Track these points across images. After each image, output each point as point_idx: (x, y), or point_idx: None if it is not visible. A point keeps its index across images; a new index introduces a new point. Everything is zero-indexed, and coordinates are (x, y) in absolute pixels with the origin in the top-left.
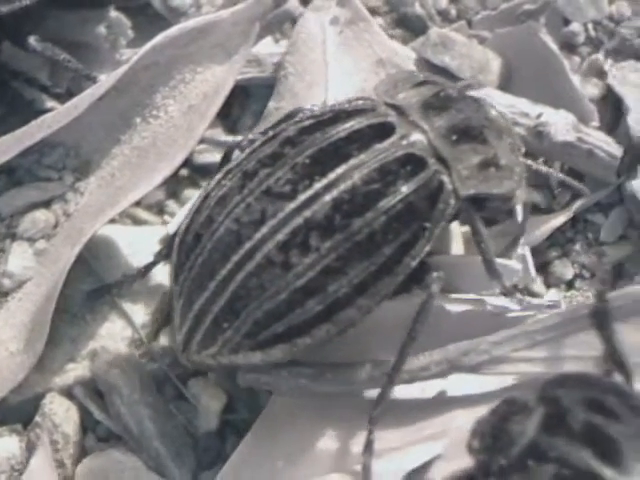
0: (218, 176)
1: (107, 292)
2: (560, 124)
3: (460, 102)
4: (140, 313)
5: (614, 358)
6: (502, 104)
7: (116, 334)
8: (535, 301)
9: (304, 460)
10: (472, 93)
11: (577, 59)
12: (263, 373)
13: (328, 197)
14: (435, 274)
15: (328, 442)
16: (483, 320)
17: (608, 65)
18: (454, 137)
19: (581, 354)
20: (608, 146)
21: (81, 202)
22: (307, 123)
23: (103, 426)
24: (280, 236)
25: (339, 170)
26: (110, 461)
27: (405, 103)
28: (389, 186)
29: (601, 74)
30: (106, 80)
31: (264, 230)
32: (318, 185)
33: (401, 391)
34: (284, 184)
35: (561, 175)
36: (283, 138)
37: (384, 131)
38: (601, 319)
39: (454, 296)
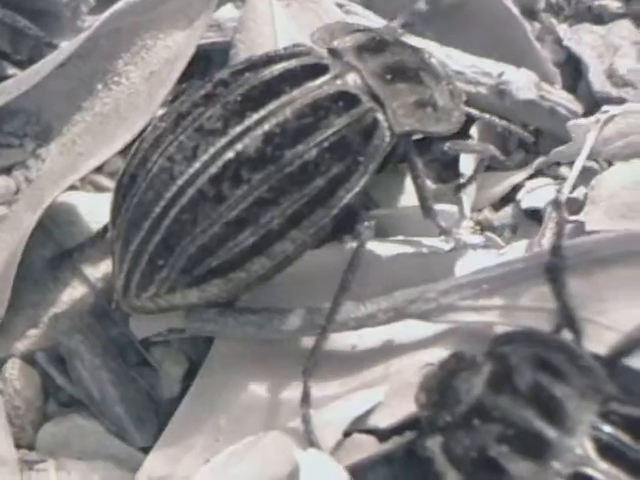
0: (154, 120)
1: (68, 257)
2: (522, 82)
3: (396, 46)
4: (102, 279)
5: (565, 314)
6: (464, 64)
7: (78, 300)
8: (472, 240)
9: (245, 416)
10: (435, 52)
11: (537, 25)
12: (209, 321)
13: (259, 131)
14: (366, 223)
15: (269, 397)
16: (418, 263)
17: (565, 29)
18: (389, 77)
19: (530, 304)
20: (570, 104)
21: (42, 168)
22: (241, 66)
23: (65, 391)
24: (212, 170)
25: (271, 106)
26: (72, 426)
27: (340, 47)
28: (321, 120)
29: (559, 40)
30: (67, 47)
31: (196, 165)
32: (249, 120)
33: (339, 339)
34: (216, 121)
35: (504, 122)
36: (217, 80)
37: (317, 71)
38: (554, 274)
39: (390, 240)
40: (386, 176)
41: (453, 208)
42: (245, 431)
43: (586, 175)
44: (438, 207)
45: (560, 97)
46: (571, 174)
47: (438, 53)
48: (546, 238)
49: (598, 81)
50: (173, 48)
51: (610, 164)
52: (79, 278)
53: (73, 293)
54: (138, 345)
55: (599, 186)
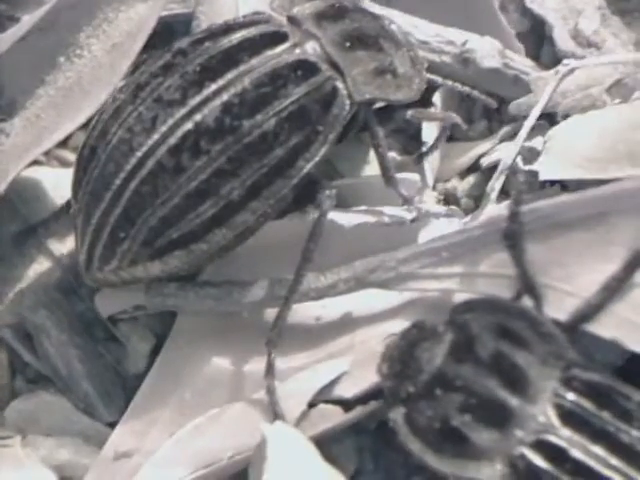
0: (114, 92)
1: (33, 233)
2: (486, 50)
3: (355, 13)
4: (68, 254)
5: (525, 281)
6: (428, 33)
7: (43, 275)
8: (433, 209)
9: (210, 389)
10: (400, 22)
11: None
12: (170, 295)
13: (218, 101)
14: (327, 192)
15: (233, 369)
16: (381, 232)
17: None
18: (348, 44)
19: (490, 271)
20: (534, 71)
21: (6, 143)
22: (200, 35)
23: (32, 368)
24: (171, 141)
25: (229, 75)
26: (39, 403)
27: (299, 15)
28: (280, 89)
29: (522, 8)
30: (29, 20)
31: (155, 137)
32: (208, 90)
33: (302, 311)
34: (174, 92)
35: (467, 88)
36: (175, 49)
37: (276, 39)
38: (513, 241)
39: (352, 209)
40: (349, 146)
41: (415, 177)
42: (210, 404)
43: (544, 127)
44: (400, 176)
45: (524, 65)
46: (526, 123)
47: (403, 22)
48: (504, 204)
49: (562, 40)
50: (135, 20)
51: (568, 116)
52: (45, 253)
53: (39, 268)
54: (105, 321)
55: (555, 137)
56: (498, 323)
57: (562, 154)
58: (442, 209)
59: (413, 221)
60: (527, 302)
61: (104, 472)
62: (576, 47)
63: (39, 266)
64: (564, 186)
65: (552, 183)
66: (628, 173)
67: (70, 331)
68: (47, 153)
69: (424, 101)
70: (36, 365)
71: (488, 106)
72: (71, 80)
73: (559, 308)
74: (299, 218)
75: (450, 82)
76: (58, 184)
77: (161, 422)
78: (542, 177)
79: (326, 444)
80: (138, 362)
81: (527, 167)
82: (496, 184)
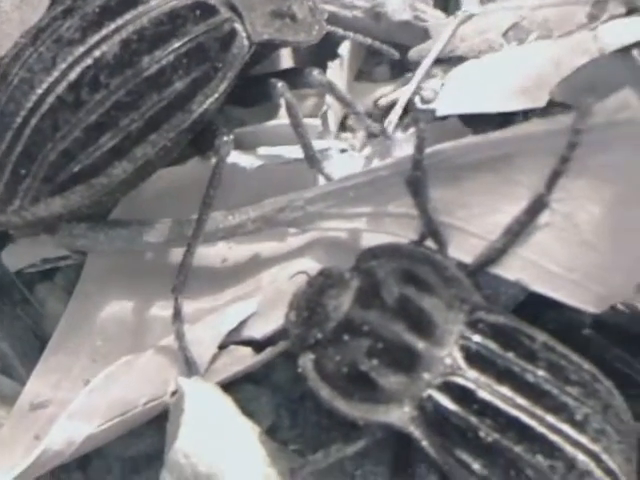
0: (16, 38)
1: None
2: (396, 4)
3: None
4: None
5: (428, 227)
6: None
7: None
8: (336, 145)
9: (120, 336)
10: None
11: None
12: (79, 236)
13: (117, 38)
14: (225, 138)
15: (142, 315)
16: (285, 172)
17: None
18: None
19: (396, 211)
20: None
21: None
22: None
23: None
24: (70, 77)
25: (128, 15)
26: None
27: None
28: (179, 28)
29: None
30: None
31: (55, 74)
32: (107, 29)
33: (209, 254)
34: (74, 32)
35: (369, 40)
36: None
37: None
38: (416, 187)
39: (254, 152)
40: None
41: (316, 121)
42: (121, 351)
43: (446, 71)
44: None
45: (434, 16)
46: (423, 63)
47: None
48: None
49: None
50: None
51: (466, 59)
52: None
53: None
54: (20, 285)
55: (452, 78)
56: (403, 269)
57: (459, 92)
58: (344, 144)
59: (314, 164)
60: (432, 245)
61: (20, 423)
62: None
63: None
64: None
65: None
66: (520, 107)
67: None
68: None
69: (331, 53)
70: None
71: (392, 57)
72: None
73: (464, 249)
74: (201, 164)
75: (352, 34)
76: None
77: (74, 371)
78: (439, 113)
79: (243, 400)
80: (55, 323)
81: (425, 106)
82: (393, 118)
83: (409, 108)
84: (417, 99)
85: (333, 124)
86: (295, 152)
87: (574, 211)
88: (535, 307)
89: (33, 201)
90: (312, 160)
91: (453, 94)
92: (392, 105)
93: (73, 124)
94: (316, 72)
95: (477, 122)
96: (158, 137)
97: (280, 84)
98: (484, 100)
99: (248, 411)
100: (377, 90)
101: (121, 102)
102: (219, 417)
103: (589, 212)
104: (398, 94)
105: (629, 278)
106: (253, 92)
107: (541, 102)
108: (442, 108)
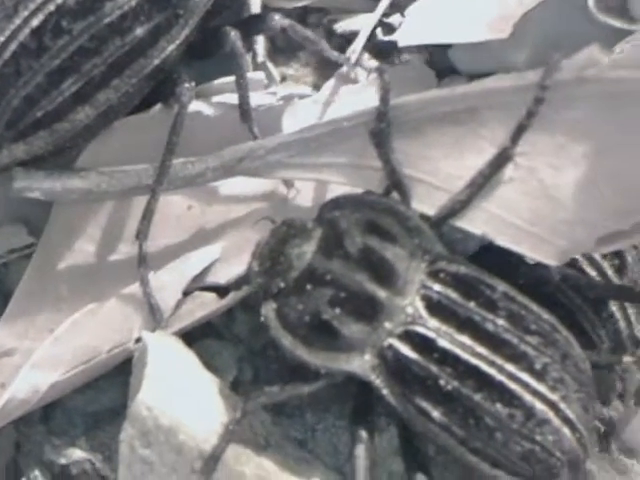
0: None
1: None
2: None
3: None
4: None
5: (392, 178)
6: None
7: None
8: (294, 91)
9: (86, 284)
10: None
11: None
12: (36, 186)
13: None
14: (186, 85)
15: (107, 262)
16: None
17: None
18: None
19: (359, 162)
20: None
21: None
22: None
23: None
24: (33, 23)
25: None
26: None
27: None
28: None
29: None
30: None
31: (17, 21)
32: None
33: (175, 201)
34: None
35: None
36: None
37: None
38: (380, 139)
39: (215, 100)
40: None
41: (260, 75)
42: (86, 299)
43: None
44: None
45: None
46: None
47: None
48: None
49: None
50: None
51: None
52: None
53: None
54: None
55: (414, 11)
56: (366, 219)
57: (420, 24)
58: (299, 90)
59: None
60: (395, 196)
61: None
62: None
63: None
64: None
65: None
66: (483, 38)
67: None
68: None
69: None
70: None
71: None
72: None
73: (427, 201)
74: (163, 112)
75: None
76: None
77: (39, 320)
78: (401, 44)
79: (206, 355)
80: (20, 275)
81: (387, 37)
82: (356, 47)
83: (371, 39)
84: (379, 31)
85: (276, 73)
86: (258, 100)
87: (538, 166)
88: (500, 260)
89: None
90: (246, 115)
91: (415, 26)
92: (353, 35)
93: (36, 70)
94: (277, 16)
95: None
96: (120, 83)
97: (233, 32)
98: (447, 31)
99: (211, 366)
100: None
101: (83, 48)
102: (182, 370)
103: (553, 167)
104: (357, 24)
105: (591, 232)
106: (211, 42)
107: (504, 33)
108: (404, 40)
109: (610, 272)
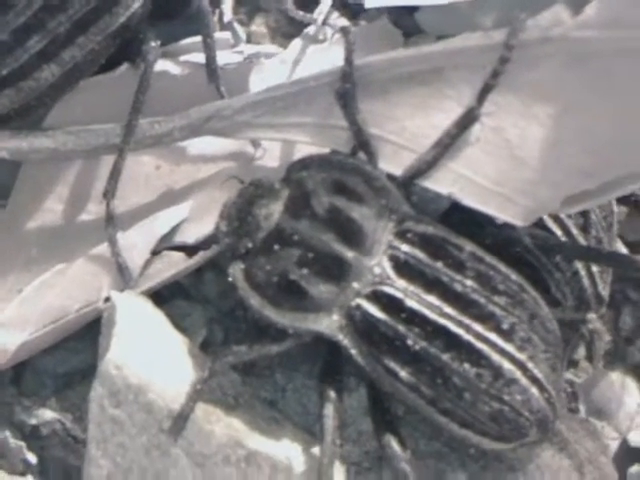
0: None
1: None
2: None
3: None
4: None
5: (359, 138)
6: None
7: None
8: (261, 50)
9: (54, 244)
10: None
11: None
12: (1, 139)
13: None
14: (152, 43)
15: (76, 223)
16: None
17: None
18: None
19: (325, 122)
20: None
21: None
22: None
23: None
24: None
25: None
26: None
27: None
28: None
29: None
30: None
31: None
32: None
33: (143, 161)
34: None
35: None
36: None
37: None
38: (345, 99)
39: (182, 59)
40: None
41: (226, 35)
42: (55, 259)
43: None
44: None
45: None
46: None
47: None
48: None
49: None
50: None
51: None
52: None
53: None
54: None
55: None
56: (333, 179)
57: None
58: (264, 50)
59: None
60: (362, 157)
61: None
62: None
63: None
64: None
65: None
66: (449, 0)
67: None
68: None
69: None
70: None
71: None
72: None
73: (394, 161)
74: (130, 71)
75: None
76: None
77: (8, 280)
78: (367, 6)
79: (175, 317)
80: None
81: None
82: (323, 9)
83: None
84: None
85: (242, 34)
86: (225, 59)
87: (504, 126)
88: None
89: None
90: (213, 74)
91: None
92: None
93: (1, 27)
94: None
95: None
96: (86, 40)
97: None
98: None
99: (181, 327)
100: None
101: (49, 4)
102: (151, 330)
103: (519, 127)
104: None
105: (556, 192)
106: (178, 1)
107: None
108: (370, 1)
109: (575, 231)
